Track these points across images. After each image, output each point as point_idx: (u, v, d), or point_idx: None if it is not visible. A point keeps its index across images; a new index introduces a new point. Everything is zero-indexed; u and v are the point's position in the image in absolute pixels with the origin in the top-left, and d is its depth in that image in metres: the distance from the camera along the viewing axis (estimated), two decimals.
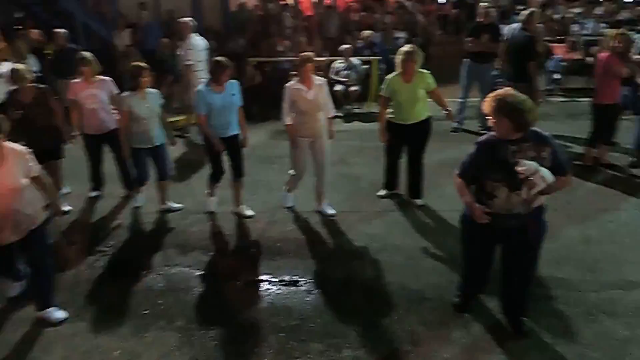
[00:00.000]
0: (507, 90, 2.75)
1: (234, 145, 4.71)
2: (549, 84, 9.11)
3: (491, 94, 2.74)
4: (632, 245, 4.13)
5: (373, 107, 8.65)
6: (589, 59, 8.70)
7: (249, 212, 4.88)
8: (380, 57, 8.98)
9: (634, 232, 4.32)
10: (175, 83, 8.20)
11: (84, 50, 5.42)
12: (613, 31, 5.56)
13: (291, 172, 4.88)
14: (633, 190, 5.12)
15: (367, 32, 9.66)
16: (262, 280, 3.93)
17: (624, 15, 12.30)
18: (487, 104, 2.72)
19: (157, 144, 4.75)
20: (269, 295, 3.75)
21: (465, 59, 6.84)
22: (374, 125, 7.60)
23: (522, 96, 2.69)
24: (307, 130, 4.59)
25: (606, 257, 3.97)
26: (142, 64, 4.67)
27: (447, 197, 4.71)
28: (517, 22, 6.59)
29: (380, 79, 9.27)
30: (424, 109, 4.71)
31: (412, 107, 4.64)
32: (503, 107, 2.64)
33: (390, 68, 10.10)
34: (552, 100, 8.60)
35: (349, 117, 8.31)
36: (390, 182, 5.14)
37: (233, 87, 4.56)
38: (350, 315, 3.44)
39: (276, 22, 12.11)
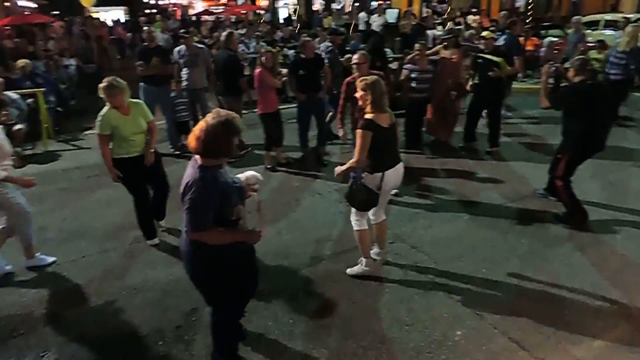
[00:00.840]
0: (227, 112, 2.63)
1: None
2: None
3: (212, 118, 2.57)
4: (313, 226, 4.93)
5: (50, 146, 7.70)
6: None
7: None
8: (46, 89, 8.01)
9: (313, 216, 5.17)
10: None
11: None
12: (267, 48, 6.50)
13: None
14: (309, 182, 6.11)
15: (23, 61, 8.40)
16: None
17: (279, 34, 14.58)
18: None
19: None
20: None
21: (140, 83, 6.81)
22: (55, 166, 6.87)
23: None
24: None
25: (296, 243, 4.61)
26: None
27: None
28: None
29: (53, 113, 8.33)
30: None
31: (138, 138, 4.36)
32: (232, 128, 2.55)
33: (63, 100, 9.30)
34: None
35: (19, 161, 7.09)
36: (148, 229, 4.65)
37: None
38: None
39: None
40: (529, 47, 10.65)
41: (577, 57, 4.95)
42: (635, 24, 8.76)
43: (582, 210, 4.78)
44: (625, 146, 6.93)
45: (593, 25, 14.03)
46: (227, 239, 2.69)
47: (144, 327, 3.49)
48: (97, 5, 24.87)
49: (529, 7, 11.74)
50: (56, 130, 8.22)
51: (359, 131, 3.64)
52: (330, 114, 7.10)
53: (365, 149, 3.62)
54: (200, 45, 7.72)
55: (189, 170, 2.61)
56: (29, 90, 7.72)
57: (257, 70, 6.00)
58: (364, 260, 4.02)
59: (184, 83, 7.19)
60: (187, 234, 2.63)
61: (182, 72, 7.19)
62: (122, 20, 23.28)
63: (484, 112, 6.96)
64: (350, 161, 3.71)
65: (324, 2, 23.62)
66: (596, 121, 4.60)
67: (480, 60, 6.65)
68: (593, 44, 11.03)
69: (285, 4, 27.16)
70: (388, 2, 20.25)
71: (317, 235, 4.72)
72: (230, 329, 3.08)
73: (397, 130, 3.89)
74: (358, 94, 3.76)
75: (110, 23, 21.18)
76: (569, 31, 11.40)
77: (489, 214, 5.05)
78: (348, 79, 5.23)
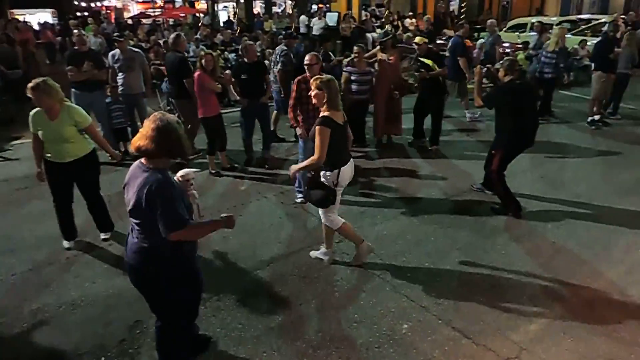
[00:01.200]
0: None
1: None
2: (169, 105, 9.70)
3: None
4: (261, 229, 4.89)
5: None
6: None
7: None
8: None
9: (260, 219, 5.13)
10: None
11: None
12: (206, 51, 6.37)
13: None
14: (255, 186, 6.05)
15: None
16: None
17: (219, 38, 14.35)
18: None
19: None
20: None
21: (72, 89, 6.48)
22: None
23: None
24: None
25: (243, 247, 4.56)
26: None
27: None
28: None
29: None
30: (82, 144, 4.28)
31: (63, 146, 4.14)
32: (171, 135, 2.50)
33: None
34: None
35: None
36: (67, 229, 4.55)
37: None
38: None
39: None
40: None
41: (506, 58, 5.23)
42: (561, 25, 9.39)
43: (516, 203, 5.05)
44: (552, 141, 7.40)
45: (521, 27, 14.87)
46: (207, 231, 2.71)
47: (84, 344, 3.32)
48: (22, 7, 23.48)
49: (462, 11, 12.30)
50: None
51: (318, 128, 3.70)
52: (275, 112, 7.13)
53: (326, 145, 3.68)
54: (136, 49, 7.47)
55: (139, 176, 2.51)
56: None
57: (197, 74, 5.88)
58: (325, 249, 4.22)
59: (120, 88, 6.93)
60: (141, 240, 2.57)
61: (118, 77, 6.94)
62: (51, 22, 22.12)
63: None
64: (310, 159, 3.75)
65: (264, 5, 23.54)
66: (526, 118, 4.88)
67: (418, 64, 6.97)
68: (520, 46, 11.71)
69: (225, 7, 26.88)
70: (328, 5, 20.51)
71: (264, 239, 4.69)
72: (185, 339, 3.00)
73: (348, 127, 3.98)
74: (312, 93, 3.80)
75: (36, 26, 20.06)
76: (484, 34, 11.96)
77: (431, 209, 5.23)
78: (299, 77, 5.27)
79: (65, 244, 4.56)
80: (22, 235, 4.82)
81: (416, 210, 5.20)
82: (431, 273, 4.06)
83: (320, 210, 4.03)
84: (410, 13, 16.34)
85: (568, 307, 3.60)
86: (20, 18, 20.90)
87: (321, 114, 3.78)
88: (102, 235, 4.70)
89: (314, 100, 3.85)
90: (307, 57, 5.25)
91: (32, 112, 4.11)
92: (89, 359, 3.20)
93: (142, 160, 2.55)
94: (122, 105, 6.93)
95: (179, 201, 2.52)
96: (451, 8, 20.08)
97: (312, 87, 3.81)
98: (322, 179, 3.88)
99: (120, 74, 6.90)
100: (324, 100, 3.74)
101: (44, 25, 21.06)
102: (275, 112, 7.55)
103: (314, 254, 4.30)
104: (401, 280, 3.96)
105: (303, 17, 17.50)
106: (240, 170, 6.49)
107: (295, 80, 5.27)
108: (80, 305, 3.74)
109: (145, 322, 3.49)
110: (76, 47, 6.84)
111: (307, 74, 5.14)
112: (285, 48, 7.38)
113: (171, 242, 2.53)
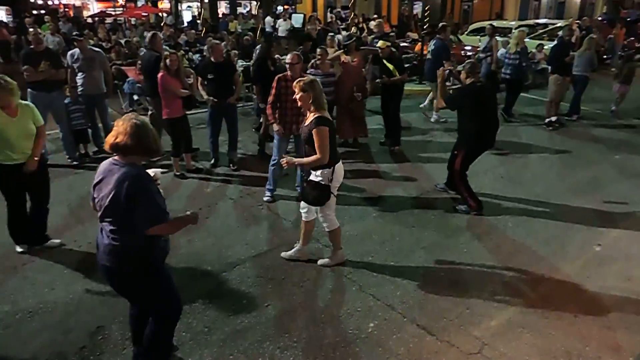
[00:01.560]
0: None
1: None
2: (131, 105, 9.50)
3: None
4: (226, 231, 4.84)
5: None
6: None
7: None
8: None
9: (226, 221, 5.08)
10: None
11: None
12: (170, 51, 6.28)
13: None
14: (222, 188, 5.99)
15: None
16: None
17: (183, 38, 14.12)
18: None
19: None
20: None
21: (28, 89, 6.24)
22: None
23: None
24: None
25: (209, 249, 4.50)
26: None
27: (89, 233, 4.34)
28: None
29: None
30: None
31: (25, 143, 4.02)
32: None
33: None
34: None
35: None
36: (17, 233, 4.39)
37: None
38: None
39: None
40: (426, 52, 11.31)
41: (468, 61, 5.38)
42: (521, 28, 9.69)
43: (478, 202, 5.19)
44: (512, 141, 7.65)
45: (482, 31, 15.28)
46: (179, 226, 2.70)
47: (42, 353, 3.20)
48: None
49: (425, 15, 12.55)
50: None
51: (317, 129, 3.71)
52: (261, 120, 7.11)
53: (327, 145, 3.74)
54: (96, 49, 7.27)
55: (115, 172, 2.48)
56: None
57: (160, 74, 5.77)
58: (298, 246, 4.25)
59: (80, 89, 6.73)
60: (114, 240, 2.53)
61: (77, 77, 6.73)
62: (5, 20, 21.23)
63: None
64: (314, 158, 3.75)
65: (229, 6, 23.32)
66: (487, 119, 5.03)
67: (377, 66, 7.13)
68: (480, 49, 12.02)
69: (189, 6, 26.46)
70: (293, 7, 20.53)
71: (230, 240, 4.65)
72: (171, 338, 3.00)
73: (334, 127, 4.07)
74: (297, 96, 3.81)
75: None
76: (483, 38, 12.09)
77: (396, 209, 5.31)
78: (279, 75, 5.29)
79: (18, 248, 4.40)
80: None
81: (382, 211, 5.28)
82: (396, 271, 4.12)
83: (319, 210, 4.02)
84: (375, 15, 16.55)
85: (527, 303, 3.73)
86: None
87: (314, 115, 3.78)
88: (54, 241, 4.52)
89: (299, 103, 3.85)
90: (289, 57, 5.32)
91: None
92: None
93: (116, 157, 2.55)
94: (81, 106, 6.74)
95: (158, 196, 2.53)
96: (415, 11, 20.47)
97: (296, 90, 3.80)
98: (315, 178, 3.88)
99: (80, 74, 6.70)
100: (310, 102, 3.76)
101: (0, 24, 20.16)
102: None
103: (286, 254, 4.29)
104: (367, 279, 4.00)
105: (269, 19, 17.47)
106: (206, 171, 6.41)
107: (276, 77, 5.30)
108: (38, 312, 3.61)
109: (107, 327, 3.42)
110: (32, 46, 6.59)
111: (288, 73, 5.21)
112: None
113: (146, 239, 2.53)
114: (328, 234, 4.14)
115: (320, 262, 4.22)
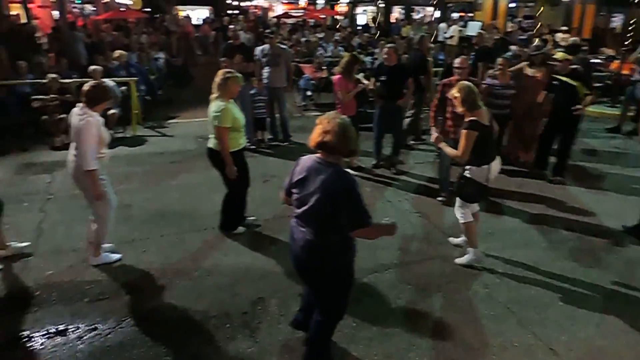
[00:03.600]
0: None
1: None
2: (304, 100, 10.18)
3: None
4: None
5: (138, 130, 8.22)
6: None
7: None
8: (138, 78, 8.58)
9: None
10: None
11: None
12: (347, 54, 6.57)
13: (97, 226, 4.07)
14: (381, 189, 6.05)
15: (119, 52, 9.08)
16: (21, 338, 3.29)
17: (356, 40, 14.69)
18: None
19: None
20: (32, 352, 3.17)
21: None
22: (142, 149, 7.32)
23: None
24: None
25: (363, 247, 4.54)
26: None
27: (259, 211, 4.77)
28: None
29: (142, 101, 8.89)
30: None
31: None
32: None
33: (152, 90, 9.90)
34: (308, 115, 9.61)
35: (111, 142, 7.65)
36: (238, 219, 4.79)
37: None
38: (132, 354, 3.16)
39: (10, 40, 10.39)
40: (625, 71, 9.92)
41: None
42: None
43: None
44: None
45: None
46: (378, 234, 2.72)
47: (213, 309, 3.61)
48: (185, 4, 26.31)
49: (631, 28, 10.96)
50: (144, 117, 8.75)
51: (465, 132, 3.86)
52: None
53: (469, 148, 3.86)
54: (283, 46, 7.93)
55: (322, 172, 2.51)
56: (123, 79, 8.28)
57: (337, 77, 6.06)
58: (471, 250, 4.25)
59: (265, 81, 7.40)
60: (314, 235, 2.58)
61: (264, 71, 7.41)
62: (210, 18, 24.47)
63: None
64: (455, 152, 3.99)
65: (404, 11, 23.43)
66: None
67: (556, 82, 6.12)
68: None
69: (364, 10, 27.28)
70: (471, 14, 19.77)
71: (384, 243, 4.55)
72: (332, 335, 3.05)
73: (494, 126, 4.13)
74: (453, 98, 3.97)
75: (195, 21, 22.33)
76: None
77: (570, 244, 4.74)
78: (444, 80, 5.31)
79: (241, 229, 4.75)
80: (171, 203, 5.41)
81: (551, 242, 4.77)
82: (564, 314, 3.67)
83: (457, 202, 4.18)
84: (564, 27, 15.01)
85: None
86: (183, 14, 23.42)
87: (468, 119, 3.90)
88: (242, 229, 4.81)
89: (454, 102, 3.98)
90: (457, 60, 5.29)
91: (222, 107, 4.13)
92: (216, 323, 3.47)
93: (318, 155, 2.58)
94: (264, 97, 7.42)
95: (363, 197, 2.54)
96: (613, 25, 18.06)
97: (454, 92, 3.95)
98: (467, 174, 4.04)
99: (266, 67, 7.37)
100: (462, 104, 3.87)
101: (204, 21, 23.42)
102: None
103: (461, 260, 4.28)
104: (529, 314, 3.65)
105: (443, 25, 17.09)
106: (367, 171, 6.54)
107: (441, 82, 5.28)
108: (213, 273, 4.09)
109: (267, 299, 3.70)
110: (231, 41, 7.47)
111: (453, 78, 5.19)
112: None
113: (345, 240, 2.59)
114: (462, 227, 4.22)
115: (458, 260, 4.28)
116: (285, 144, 7.67)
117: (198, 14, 27.30)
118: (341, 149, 2.52)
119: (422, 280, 4.06)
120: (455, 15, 20.78)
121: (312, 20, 24.29)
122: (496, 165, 4.08)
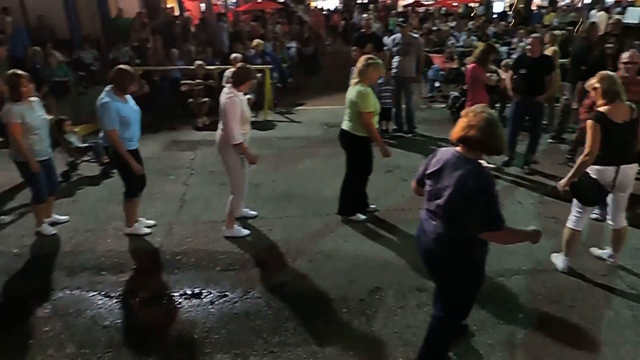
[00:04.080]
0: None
1: (140, 159, 4.39)
2: (431, 91, 9.89)
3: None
4: None
5: (269, 116, 8.72)
6: (464, 69, 9.60)
7: (145, 230, 4.62)
8: (272, 66, 9.08)
9: (512, 225, 4.78)
10: (49, 93, 7.54)
11: None
12: (481, 43, 6.23)
13: (232, 197, 4.41)
14: (511, 188, 5.69)
15: (257, 41, 9.71)
16: (162, 296, 3.73)
17: (491, 29, 13.85)
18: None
19: (51, 155, 4.53)
20: (170, 310, 3.57)
21: (352, 67, 7.15)
22: (272, 133, 7.76)
23: None
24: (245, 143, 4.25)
25: (491, 249, 4.32)
26: (21, 72, 4.23)
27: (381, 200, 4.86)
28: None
29: (274, 87, 9.40)
30: None
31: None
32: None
33: (283, 77, 10.43)
34: (434, 107, 9.32)
35: None
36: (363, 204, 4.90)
37: (130, 97, 4.30)
38: (256, 323, 3.39)
39: (165, 30, 11.72)
40: None
41: None
42: None
43: None
44: None
45: None
46: (514, 239, 2.64)
47: (331, 292, 3.72)
48: None
49: None
50: (275, 103, 9.24)
51: (588, 122, 3.55)
52: None
53: (596, 142, 3.48)
54: (415, 35, 7.76)
55: (459, 167, 2.40)
56: (259, 66, 8.81)
57: (472, 66, 5.77)
58: (562, 257, 3.98)
59: (393, 71, 7.32)
60: (446, 229, 2.49)
61: (394, 60, 7.33)
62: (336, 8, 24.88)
63: None
64: (582, 156, 3.57)
65: None
66: None
67: None
68: None
69: None
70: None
71: (512, 246, 4.34)
72: (454, 336, 2.99)
73: (637, 127, 3.61)
74: (591, 89, 3.65)
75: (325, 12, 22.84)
76: None
77: None
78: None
79: (361, 216, 4.79)
80: (296, 186, 5.67)
81: None
82: None
83: (574, 205, 3.82)
84: None
85: None
86: (314, 4, 24.13)
87: (596, 109, 3.58)
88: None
89: (593, 95, 3.67)
90: (627, 54, 4.77)
91: (364, 92, 4.25)
92: (333, 307, 3.56)
93: (459, 149, 2.47)
94: (391, 87, 7.35)
95: (499, 199, 2.41)
96: None
97: (592, 81, 3.61)
98: (591, 173, 3.62)
99: (396, 57, 7.28)
100: (603, 95, 3.53)
101: (334, 11, 23.91)
102: None
103: (559, 266, 3.97)
104: None
105: (594, 12, 15.29)
106: (496, 169, 6.15)
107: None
108: (332, 257, 4.20)
109: (384, 289, 3.70)
110: (363, 30, 7.51)
111: (618, 74, 4.64)
112: None
113: (476, 240, 2.47)
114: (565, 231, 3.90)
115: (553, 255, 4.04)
116: (409, 135, 7.54)
117: (328, 4, 27.97)
118: (485, 145, 2.39)
119: (554, 292, 3.72)
120: (609, 0, 18.48)
121: (444, 9, 23.41)
122: (630, 169, 3.61)
